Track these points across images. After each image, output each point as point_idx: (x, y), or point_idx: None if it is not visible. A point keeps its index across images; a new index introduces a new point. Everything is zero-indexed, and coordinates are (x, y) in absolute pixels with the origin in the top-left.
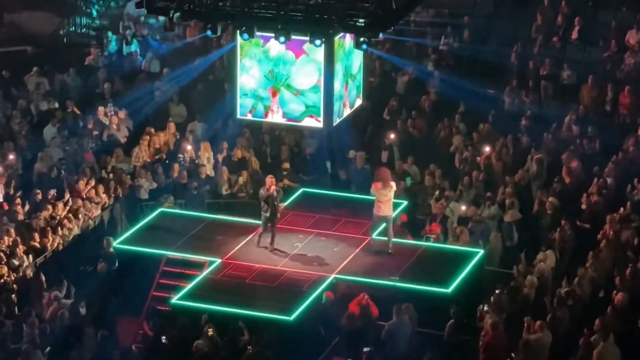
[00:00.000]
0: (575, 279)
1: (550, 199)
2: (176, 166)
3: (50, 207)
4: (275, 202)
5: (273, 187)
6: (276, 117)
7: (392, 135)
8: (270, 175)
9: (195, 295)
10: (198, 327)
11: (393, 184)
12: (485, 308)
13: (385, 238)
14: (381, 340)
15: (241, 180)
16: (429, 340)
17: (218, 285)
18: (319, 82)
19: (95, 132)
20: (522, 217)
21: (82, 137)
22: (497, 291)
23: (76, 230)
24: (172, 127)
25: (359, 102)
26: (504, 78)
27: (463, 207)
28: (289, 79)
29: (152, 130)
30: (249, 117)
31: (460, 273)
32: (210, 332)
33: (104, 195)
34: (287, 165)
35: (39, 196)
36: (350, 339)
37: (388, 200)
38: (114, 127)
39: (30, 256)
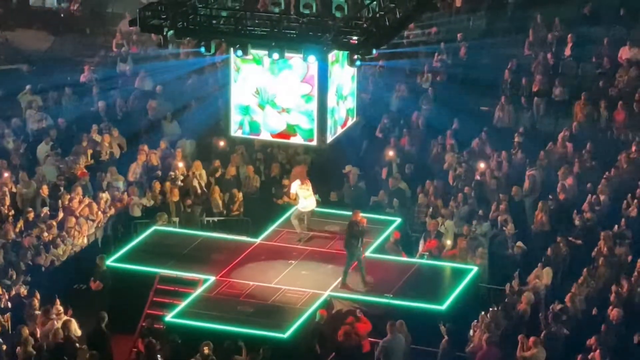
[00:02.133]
0: (569, 295)
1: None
2: (169, 184)
3: (43, 225)
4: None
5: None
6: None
7: (391, 152)
8: (358, 210)
9: (190, 313)
10: (192, 345)
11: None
12: (478, 323)
13: (384, 256)
14: (376, 357)
15: (237, 198)
16: (424, 357)
17: (212, 303)
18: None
19: (90, 150)
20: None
21: (76, 155)
22: (492, 308)
23: (69, 248)
24: (163, 144)
25: (348, 123)
26: (497, 94)
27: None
28: (274, 97)
29: (146, 147)
30: (239, 134)
31: (454, 290)
32: (207, 350)
33: (97, 213)
34: (287, 182)
35: (32, 215)
36: (346, 356)
37: (310, 195)
38: (106, 144)
39: (23, 274)
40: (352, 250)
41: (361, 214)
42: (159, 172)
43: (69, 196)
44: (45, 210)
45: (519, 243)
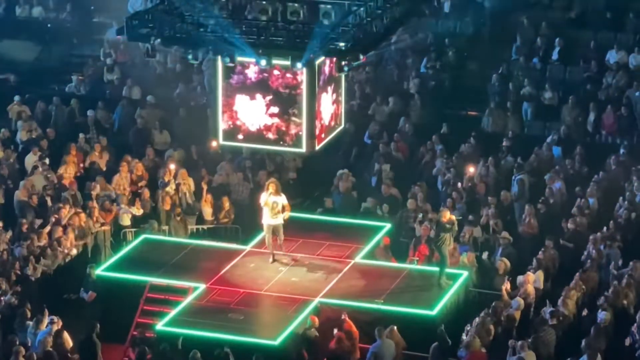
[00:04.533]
0: (559, 298)
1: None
2: (160, 193)
3: (33, 235)
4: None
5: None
6: None
7: (381, 159)
8: (445, 209)
9: (180, 322)
10: (183, 353)
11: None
12: (470, 328)
13: (374, 262)
14: None
15: (225, 206)
16: None
17: (203, 311)
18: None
19: (78, 160)
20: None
21: (64, 165)
22: (482, 313)
23: (59, 258)
24: (151, 153)
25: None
26: (485, 99)
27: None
28: None
29: (129, 157)
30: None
31: (445, 295)
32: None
33: (87, 223)
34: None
35: (25, 226)
36: None
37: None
38: (97, 154)
39: (13, 285)
40: (443, 249)
41: (449, 213)
42: (145, 181)
43: (57, 206)
44: (35, 220)
45: (504, 259)
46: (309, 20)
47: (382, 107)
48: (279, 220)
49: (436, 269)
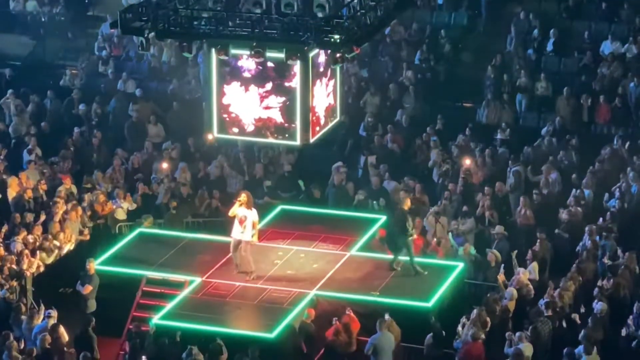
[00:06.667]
0: (556, 290)
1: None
2: (155, 186)
3: (28, 230)
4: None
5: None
6: None
7: (373, 152)
8: (407, 197)
9: (176, 315)
10: (179, 347)
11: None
12: (465, 320)
13: (370, 254)
14: (365, 354)
15: (213, 202)
16: (411, 354)
17: (199, 305)
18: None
19: (73, 154)
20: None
21: (60, 159)
22: (478, 305)
23: (55, 253)
24: (149, 147)
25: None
26: (480, 91)
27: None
28: None
29: (121, 151)
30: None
31: (441, 287)
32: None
33: (82, 217)
34: (268, 182)
35: (18, 220)
36: (333, 355)
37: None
38: (93, 147)
39: (10, 279)
40: (409, 240)
41: (410, 200)
42: (141, 175)
43: (53, 200)
44: (30, 215)
45: (494, 251)
46: (303, 12)
47: (375, 97)
48: (246, 236)
49: (432, 260)
